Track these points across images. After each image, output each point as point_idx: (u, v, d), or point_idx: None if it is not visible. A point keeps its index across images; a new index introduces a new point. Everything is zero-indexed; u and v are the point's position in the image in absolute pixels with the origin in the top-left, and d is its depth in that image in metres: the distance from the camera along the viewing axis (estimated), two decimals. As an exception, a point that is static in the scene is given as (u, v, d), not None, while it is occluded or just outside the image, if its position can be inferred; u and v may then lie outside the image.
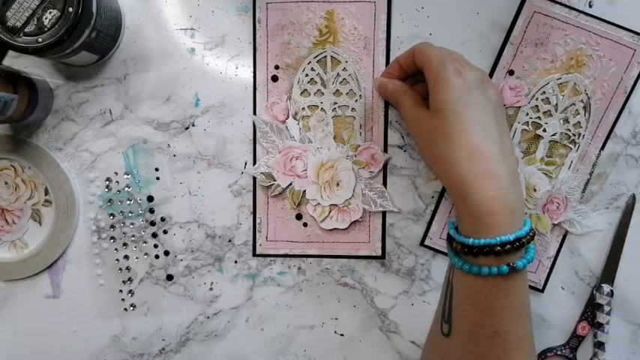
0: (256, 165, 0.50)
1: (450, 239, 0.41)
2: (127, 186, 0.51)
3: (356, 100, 0.50)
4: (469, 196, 0.38)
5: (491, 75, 0.49)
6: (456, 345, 0.41)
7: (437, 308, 0.44)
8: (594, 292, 0.50)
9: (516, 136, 0.49)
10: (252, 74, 0.50)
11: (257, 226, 0.51)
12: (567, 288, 0.50)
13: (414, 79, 0.47)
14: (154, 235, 0.51)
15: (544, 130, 0.49)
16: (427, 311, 0.50)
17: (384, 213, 0.50)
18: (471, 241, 0.38)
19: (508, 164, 0.39)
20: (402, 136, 0.50)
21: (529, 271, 0.50)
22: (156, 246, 0.51)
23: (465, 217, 0.39)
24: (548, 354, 0.50)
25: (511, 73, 0.49)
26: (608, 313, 0.49)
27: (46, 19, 0.41)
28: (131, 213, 0.51)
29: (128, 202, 0.51)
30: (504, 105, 0.49)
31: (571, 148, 0.49)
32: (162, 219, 0.51)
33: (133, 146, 0.50)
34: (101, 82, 0.50)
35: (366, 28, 0.49)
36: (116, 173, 0.51)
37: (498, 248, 0.37)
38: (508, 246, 0.37)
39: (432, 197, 0.50)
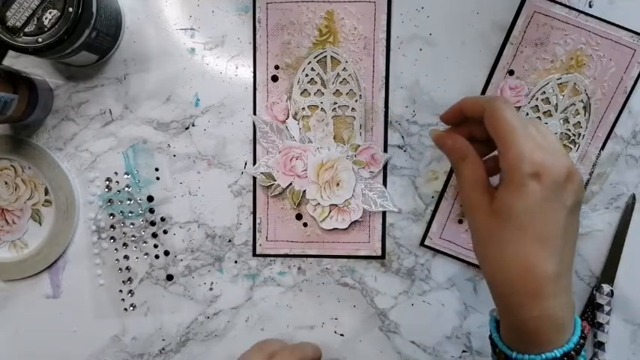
0: (256, 165, 0.50)
1: (492, 342, 0.38)
2: (127, 186, 0.51)
3: (356, 100, 0.50)
4: (513, 312, 0.35)
5: (491, 75, 0.49)
6: None
7: None
8: (594, 292, 0.50)
9: (516, 136, 0.49)
10: (252, 74, 0.50)
11: (257, 226, 0.51)
12: (567, 288, 0.50)
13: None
14: (154, 235, 0.51)
15: (544, 130, 0.49)
16: (427, 311, 0.50)
17: (384, 213, 0.50)
18: (514, 355, 0.36)
19: (563, 280, 0.35)
20: (402, 136, 0.50)
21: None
22: (156, 246, 0.51)
23: (507, 328, 0.37)
24: (548, 354, 0.50)
25: (511, 73, 0.49)
26: (608, 313, 0.49)
27: (46, 19, 0.41)
28: (131, 213, 0.51)
29: (128, 202, 0.51)
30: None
31: (571, 148, 0.49)
32: (162, 219, 0.51)
33: (133, 146, 0.50)
34: (101, 82, 0.50)
35: (366, 28, 0.49)
36: (116, 173, 0.51)
37: None
38: None
39: (432, 197, 0.50)
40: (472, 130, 0.39)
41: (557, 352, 0.34)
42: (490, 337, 0.39)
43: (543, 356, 0.34)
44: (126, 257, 0.51)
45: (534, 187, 0.34)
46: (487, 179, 0.38)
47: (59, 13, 0.41)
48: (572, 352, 0.35)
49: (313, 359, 0.47)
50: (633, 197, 0.49)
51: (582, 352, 0.36)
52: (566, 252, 0.36)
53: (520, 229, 0.34)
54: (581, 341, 0.36)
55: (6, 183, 0.51)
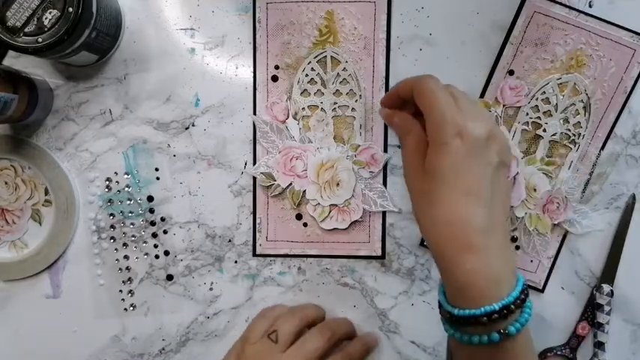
0: (256, 165, 0.50)
1: (440, 306, 0.39)
2: (127, 186, 0.51)
3: (356, 100, 0.50)
4: (448, 267, 0.37)
5: (491, 75, 0.49)
6: None
7: None
8: (594, 292, 0.50)
9: (516, 136, 0.49)
10: (252, 74, 0.50)
11: (257, 226, 0.51)
12: (567, 288, 0.50)
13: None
14: (154, 235, 0.51)
15: (544, 130, 0.49)
16: (427, 311, 0.50)
17: (384, 213, 0.50)
18: (456, 311, 0.37)
19: (495, 233, 0.37)
20: (402, 136, 0.50)
21: (529, 270, 0.50)
22: (156, 246, 0.51)
23: (448, 287, 0.38)
24: (548, 354, 0.50)
25: (511, 73, 0.49)
26: (608, 313, 0.49)
27: (46, 19, 0.41)
28: (131, 213, 0.51)
29: (128, 202, 0.51)
30: (505, 105, 0.49)
31: (571, 148, 0.49)
32: (163, 219, 0.51)
33: (133, 146, 0.50)
34: (101, 82, 0.50)
35: (366, 28, 0.49)
36: (116, 173, 0.51)
37: (484, 319, 0.35)
38: (495, 315, 0.35)
39: (432, 197, 0.50)
40: (417, 108, 0.41)
41: (496, 305, 0.35)
42: (439, 304, 0.39)
43: (482, 310, 0.35)
44: (126, 257, 0.51)
45: (457, 144, 0.36)
46: (427, 149, 0.39)
47: (59, 13, 0.41)
48: (512, 306, 0.35)
49: (316, 318, 0.48)
50: (633, 197, 0.49)
51: (527, 310, 0.37)
52: (495, 207, 0.37)
53: (447, 185, 0.37)
54: (522, 296, 0.36)
55: (6, 183, 0.51)
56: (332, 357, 0.46)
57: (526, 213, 0.49)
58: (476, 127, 0.37)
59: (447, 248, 0.37)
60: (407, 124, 0.41)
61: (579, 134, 0.49)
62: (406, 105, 0.42)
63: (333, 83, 0.50)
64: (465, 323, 0.36)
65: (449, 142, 0.36)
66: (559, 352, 0.50)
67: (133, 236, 0.51)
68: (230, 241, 0.51)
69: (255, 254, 0.51)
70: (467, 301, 0.36)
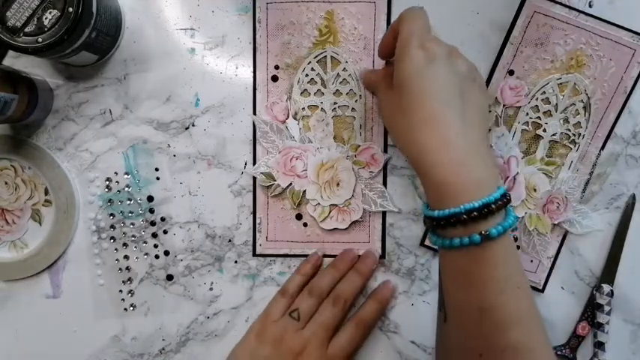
0: (256, 165, 0.50)
1: (423, 217, 0.40)
2: (127, 186, 0.51)
3: (356, 100, 0.50)
4: (427, 166, 0.37)
5: (491, 75, 0.49)
6: (451, 328, 0.40)
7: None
8: (594, 292, 0.50)
9: (516, 136, 0.49)
10: (252, 74, 0.50)
11: (257, 226, 0.51)
12: (567, 288, 0.50)
13: None
14: (154, 235, 0.51)
15: (544, 130, 0.49)
16: (427, 311, 0.50)
17: (384, 213, 0.50)
18: (436, 212, 0.37)
19: (470, 137, 0.38)
20: (402, 136, 0.50)
21: (529, 270, 0.50)
22: (156, 246, 0.51)
23: (429, 191, 0.38)
24: (548, 354, 0.50)
25: (511, 73, 0.49)
26: (608, 313, 0.49)
27: (46, 19, 0.41)
28: (131, 213, 0.51)
29: (128, 202, 0.51)
30: (505, 105, 0.49)
31: (571, 148, 0.49)
32: (163, 219, 0.51)
33: (133, 146, 0.50)
34: (101, 82, 0.50)
35: (366, 28, 0.49)
36: (116, 173, 0.51)
37: (464, 216, 0.36)
38: (474, 213, 0.35)
39: (432, 197, 0.50)
40: None
41: (476, 203, 0.36)
42: (423, 216, 0.40)
43: (462, 207, 0.36)
44: (126, 257, 0.51)
45: (420, 53, 0.38)
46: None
47: (59, 13, 0.41)
48: (493, 206, 0.36)
49: (331, 288, 0.49)
50: (633, 197, 0.49)
51: (510, 217, 0.37)
52: (469, 114, 0.39)
53: (415, 90, 0.38)
54: (504, 199, 0.37)
55: (6, 183, 0.51)
56: (347, 323, 0.48)
57: (526, 213, 0.49)
58: (438, 44, 0.39)
59: (424, 149, 0.37)
60: (379, 76, 0.46)
61: (579, 134, 0.49)
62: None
63: (333, 83, 0.50)
64: (446, 224, 0.37)
65: (412, 52, 0.39)
66: (559, 352, 0.50)
67: (133, 236, 0.51)
68: (230, 241, 0.51)
69: (255, 254, 0.51)
70: (447, 200, 0.37)
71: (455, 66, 0.40)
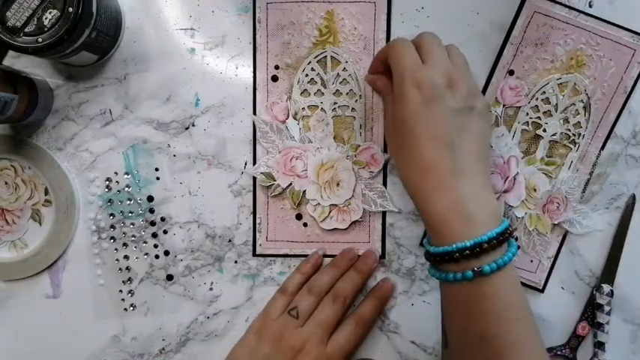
0: (256, 165, 0.50)
1: (425, 251, 0.42)
2: (127, 186, 0.51)
3: (356, 100, 0.50)
4: (424, 208, 0.39)
5: (491, 75, 0.49)
6: (452, 354, 0.41)
7: None
8: (594, 292, 0.50)
9: (516, 136, 0.49)
10: (252, 74, 0.50)
11: (257, 226, 0.51)
12: (567, 288, 0.50)
13: None
14: (154, 235, 0.51)
15: (544, 130, 0.49)
16: (427, 311, 0.50)
17: (384, 213, 0.50)
18: (432, 249, 0.39)
19: (467, 175, 0.39)
20: (402, 136, 0.50)
21: (529, 270, 0.50)
22: (156, 246, 0.51)
23: (427, 229, 0.41)
24: (549, 354, 0.50)
25: (511, 73, 0.49)
26: (608, 313, 0.49)
27: (46, 19, 0.41)
28: (131, 213, 0.51)
29: (128, 202, 0.51)
30: (505, 105, 0.49)
31: (571, 148, 0.49)
32: (162, 219, 0.51)
33: (133, 146, 0.50)
34: (101, 82, 0.50)
35: (366, 28, 0.49)
36: (116, 173, 0.51)
37: (456, 255, 0.37)
38: (467, 252, 0.37)
39: (432, 197, 0.50)
40: None
41: (467, 243, 0.37)
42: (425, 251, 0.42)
43: (454, 246, 0.37)
44: (126, 257, 0.51)
45: (414, 95, 0.39)
46: None
47: (59, 13, 0.41)
48: (485, 245, 0.37)
49: (330, 285, 0.49)
50: (633, 197, 0.49)
51: (508, 254, 0.38)
52: (464, 151, 0.39)
53: (411, 133, 0.40)
54: (500, 238, 0.38)
55: (6, 183, 0.51)
56: (346, 321, 0.48)
57: (526, 213, 0.49)
58: (434, 75, 0.39)
59: (422, 190, 0.39)
60: (387, 86, 0.45)
61: (579, 134, 0.49)
62: (389, 71, 0.44)
63: (333, 83, 0.50)
64: (440, 260, 0.38)
65: (406, 94, 0.39)
66: (559, 352, 0.50)
67: (133, 236, 0.51)
68: (230, 241, 0.51)
69: (255, 254, 0.51)
70: (441, 239, 0.38)
71: (452, 100, 0.39)
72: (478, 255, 0.37)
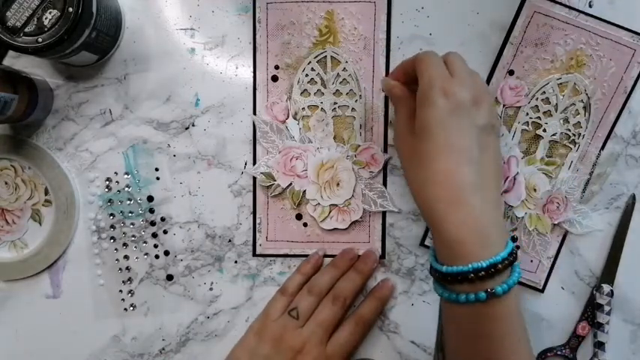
0: (256, 165, 0.50)
1: (430, 267, 0.41)
2: (127, 186, 0.51)
3: (356, 100, 0.50)
4: (438, 223, 0.38)
5: (491, 75, 0.49)
6: None
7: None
8: (594, 292, 0.50)
9: (516, 136, 0.49)
10: (252, 74, 0.50)
11: (257, 226, 0.51)
12: (567, 288, 0.50)
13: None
14: (154, 235, 0.51)
15: (544, 130, 0.49)
16: (427, 311, 0.50)
17: (384, 213, 0.50)
18: (444, 268, 0.38)
19: (484, 192, 0.38)
20: (402, 136, 0.50)
21: (529, 270, 0.50)
22: (156, 246, 0.51)
23: (438, 245, 0.39)
24: (548, 354, 0.50)
25: (511, 73, 0.49)
26: (608, 313, 0.49)
27: (46, 19, 0.41)
28: (131, 213, 0.51)
29: (128, 202, 0.51)
30: (505, 105, 0.49)
31: (571, 148, 0.49)
32: (163, 219, 0.51)
33: (133, 146, 0.50)
34: (101, 82, 0.50)
35: (366, 28, 0.49)
36: (116, 173, 0.51)
37: (471, 275, 0.36)
38: (482, 272, 0.36)
39: (432, 197, 0.50)
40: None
41: (484, 263, 0.36)
42: (430, 265, 0.41)
43: (470, 266, 0.36)
44: (126, 257, 0.51)
45: (443, 102, 0.38)
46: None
47: (59, 13, 0.41)
48: (500, 265, 0.36)
49: (330, 286, 0.49)
50: (633, 197, 0.49)
51: (515, 273, 0.38)
52: (484, 167, 0.39)
53: (435, 141, 0.38)
54: (510, 258, 0.37)
55: (6, 183, 0.51)
56: (346, 321, 0.48)
57: (526, 213, 0.49)
58: (461, 91, 0.39)
59: (437, 204, 0.38)
60: (404, 94, 0.44)
61: (579, 134, 0.49)
62: (409, 85, 0.44)
63: (333, 83, 0.50)
64: (452, 281, 0.37)
65: (435, 100, 0.39)
66: (559, 352, 0.50)
67: (133, 236, 0.51)
68: (230, 241, 0.51)
69: (255, 254, 0.51)
70: (455, 258, 0.37)
71: (477, 115, 0.39)
72: (492, 276, 0.36)
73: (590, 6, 0.48)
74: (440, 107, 0.38)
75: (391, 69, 0.49)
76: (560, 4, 0.48)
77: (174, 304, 0.51)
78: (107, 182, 0.51)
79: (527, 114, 0.49)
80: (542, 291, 0.50)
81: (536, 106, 0.49)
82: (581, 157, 0.49)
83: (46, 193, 0.51)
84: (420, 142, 0.39)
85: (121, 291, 0.51)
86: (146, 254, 0.51)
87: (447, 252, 0.38)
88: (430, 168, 0.38)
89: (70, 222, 0.50)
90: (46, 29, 0.41)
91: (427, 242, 0.50)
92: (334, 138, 0.50)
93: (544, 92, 0.49)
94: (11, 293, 0.52)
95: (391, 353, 0.51)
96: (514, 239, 0.50)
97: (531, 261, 0.50)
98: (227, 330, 0.51)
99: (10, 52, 0.48)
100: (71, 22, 0.41)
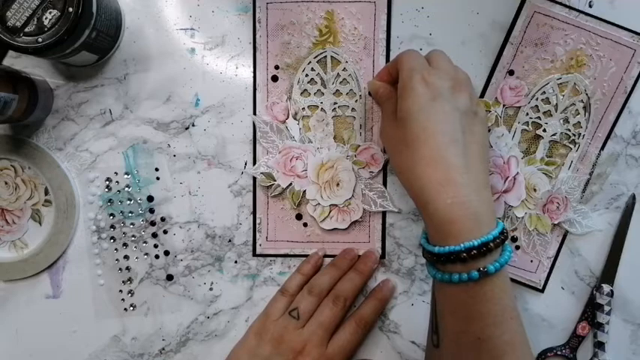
0: (256, 165, 0.50)
1: (422, 249, 0.41)
2: (127, 186, 0.51)
3: (356, 100, 0.50)
4: (429, 204, 0.38)
5: (491, 75, 0.49)
6: (444, 355, 0.41)
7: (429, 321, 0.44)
8: (594, 292, 0.50)
9: (516, 136, 0.49)
10: (252, 74, 0.50)
11: (257, 226, 0.51)
12: (567, 288, 0.50)
13: None
14: (154, 235, 0.51)
15: (544, 130, 0.49)
16: (427, 311, 0.50)
17: (384, 213, 0.50)
18: (436, 249, 0.38)
19: (472, 173, 0.39)
20: (402, 136, 0.50)
21: (529, 270, 0.50)
22: (156, 246, 0.51)
23: (429, 226, 0.39)
24: (548, 354, 0.50)
25: (511, 73, 0.49)
26: (608, 313, 0.49)
27: (46, 19, 0.41)
28: (131, 213, 0.51)
29: (128, 202, 0.51)
30: (505, 105, 0.49)
31: (571, 148, 0.49)
32: (162, 219, 0.51)
33: (133, 146, 0.50)
34: (101, 82, 0.50)
35: (366, 28, 0.49)
36: (116, 173, 0.51)
37: (464, 254, 0.37)
38: (474, 251, 0.37)
39: (432, 197, 0.50)
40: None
41: (475, 242, 0.37)
42: (422, 248, 0.41)
43: (462, 246, 0.37)
44: (126, 257, 0.51)
45: (423, 90, 0.40)
46: None
47: (59, 13, 0.41)
48: (491, 244, 0.37)
49: (331, 287, 0.49)
50: (633, 197, 0.49)
51: (506, 252, 0.38)
52: (470, 149, 0.40)
53: (419, 126, 0.39)
54: (501, 237, 0.38)
55: (6, 183, 0.51)
56: (347, 322, 0.48)
57: (526, 213, 0.49)
58: (440, 79, 0.40)
59: (428, 184, 0.38)
60: (388, 93, 0.45)
61: (579, 134, 0.49)
62: (393, 85, 0.46)
63: (333, 83, 0.50)
64: (445, 260, 0.38)
65: (415, 87, 0.40)
66: (559, 352, 0.50)
67: (133, 236, 0.51)
68: (230, 241, 0.51)
69: (255, 254, 0.51)
70: (447, 238, 0.38)
71: (458, 101, 0.40)
72: (484, 254, 0.37)
73: (590, 6, 0.48)
74: (420, 94, 0.40)
75: (391, 69, 0.49)
76: (560, 4, 0.48)
77: (174, 304, 0.51)
78: (107, 182, 0.51)
79: (527, 114, 0.49)
80: (542, 291, 0.50)
81: (536, 106, 0.49)
82: (581, 157, 0.49)
83: (46, 193, 0.51)
84: (405, 129, 0.40)
85: (121, 291, 0.51)
86: (146, 254, 0.51)
87: (438, 232, 0.38)
88: (418, 151, 0.39)
89: (70, 222, 0.50)
90: (46, 29, 0.41)
91: (427, 242, 0.50)
92: (334, 138, 0.50)
93: (544, 92, 0.49)
94: (11, 293, 0.52)
95: (391, 353, 0.51)
96: (514, 239, 0.50)
97: (531, 261, 0.50)
98: (227, 330, 0.51)
99: (10, 52, 0.48)
100: (71, 22, 0.41)
